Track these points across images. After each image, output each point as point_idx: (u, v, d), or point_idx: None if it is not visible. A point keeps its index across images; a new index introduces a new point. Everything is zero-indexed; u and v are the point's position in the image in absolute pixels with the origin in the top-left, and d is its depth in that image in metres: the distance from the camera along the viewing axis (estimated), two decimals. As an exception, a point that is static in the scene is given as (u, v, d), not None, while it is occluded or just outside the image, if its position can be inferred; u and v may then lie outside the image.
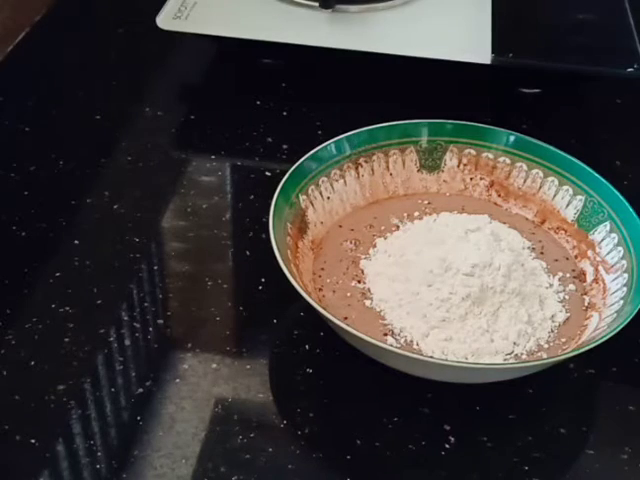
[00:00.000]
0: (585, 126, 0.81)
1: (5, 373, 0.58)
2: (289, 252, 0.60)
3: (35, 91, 0.82)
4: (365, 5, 0.84)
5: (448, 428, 0.56)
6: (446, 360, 0.55)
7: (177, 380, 0.58)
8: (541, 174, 0.66)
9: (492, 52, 0.78)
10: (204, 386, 0.58)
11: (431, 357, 0.55)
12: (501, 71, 0.79)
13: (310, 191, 0.65)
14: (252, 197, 0.72)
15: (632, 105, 0.85)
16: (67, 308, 0.62)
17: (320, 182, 0.66)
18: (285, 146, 0.77)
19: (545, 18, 0.85)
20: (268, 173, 0.74)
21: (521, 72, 0.80)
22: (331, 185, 0.66)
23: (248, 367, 0.59)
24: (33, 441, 0.54)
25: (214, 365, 0.59)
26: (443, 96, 0.82)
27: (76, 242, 0.67)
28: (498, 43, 0.78)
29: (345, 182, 0.67)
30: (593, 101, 0.85)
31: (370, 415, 0.57)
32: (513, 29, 0.82)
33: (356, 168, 0.67)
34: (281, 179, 0.63)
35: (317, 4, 0.82)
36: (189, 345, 0.60)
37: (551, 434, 0.56)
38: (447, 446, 0.55)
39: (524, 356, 0.57)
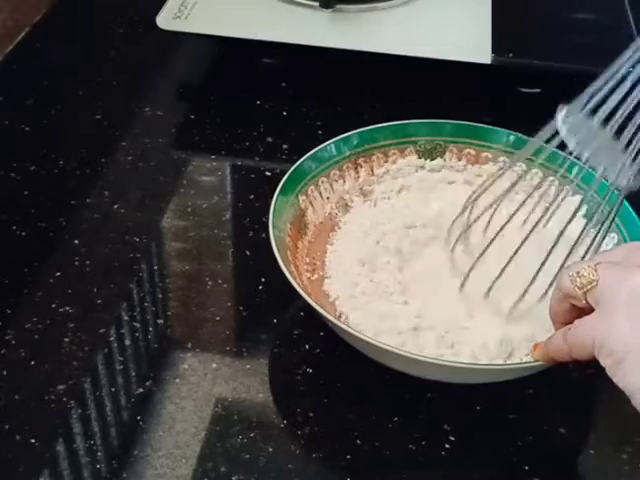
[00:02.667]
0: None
1: (5, 373, 0.58)
2: (289, 252, 0.60)
3: (35, 91, 0.82)
4: (365, 5, 0.84)
5: (448, 428, 0.56)
6: (444, 361, 0.54)
7: (177, 380, 0.58)
8: (540, 174, 0.66)
9: (492, 52, 0.78)
10: (204, 386, 0.58)
11: (430, 358, 0.55)
12: (501, 71, 0.79)
13: (310, 191, 0.65)
14: (252, 197, 0.72)
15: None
16: (67, 308, 0.62)
17: (320, 182, 0.66)
18: (285, 146, 0.77)
19: (545, 18, 0.85)
20: (268, 173, 0.74)
21: (521, 72, 0.80)
22: (331, 185, 0.66)
23: (248, 367, 0.59)
24: (33, 441, 0.54)
25: (214, 365, 0.59)
26: (443, 96, 0.82)
27: (76, 242, 0.67)
28: (498, 43, 0.79)
29: (345, 182, 0.67)
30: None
31: (370, 415, 0.56)
32: (513, 29, 0.82)
33: (355, 168, 0.67)
34: (281, 179, 0.63)
35: (317, 4, 0.82)
36: (189, 345, 0.60)
37: (551, 434, 0.56)
38: (447, 446, 0.55)
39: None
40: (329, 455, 0.55)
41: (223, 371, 0.59)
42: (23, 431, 0.54)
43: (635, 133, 0.53)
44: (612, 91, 0.53)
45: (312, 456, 0.55)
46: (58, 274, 0.64)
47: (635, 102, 0.52)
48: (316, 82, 0.84)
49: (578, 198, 0.64)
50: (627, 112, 0.53)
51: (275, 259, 0.57)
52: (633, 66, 0.52)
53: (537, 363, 0.52)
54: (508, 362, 0.56)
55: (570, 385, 0.59)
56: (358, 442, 0.55)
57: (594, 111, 0.54)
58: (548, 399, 0.58)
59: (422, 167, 0.69)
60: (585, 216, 0.63)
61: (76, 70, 0.86)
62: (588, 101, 0.54)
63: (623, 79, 0.52)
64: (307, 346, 0.60)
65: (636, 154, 0.53)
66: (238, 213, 0.71)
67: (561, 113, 0.55)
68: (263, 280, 0.64)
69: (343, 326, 0.53)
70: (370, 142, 0.68)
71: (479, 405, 0.57)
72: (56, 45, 0.89)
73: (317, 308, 0.54)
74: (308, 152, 0.65)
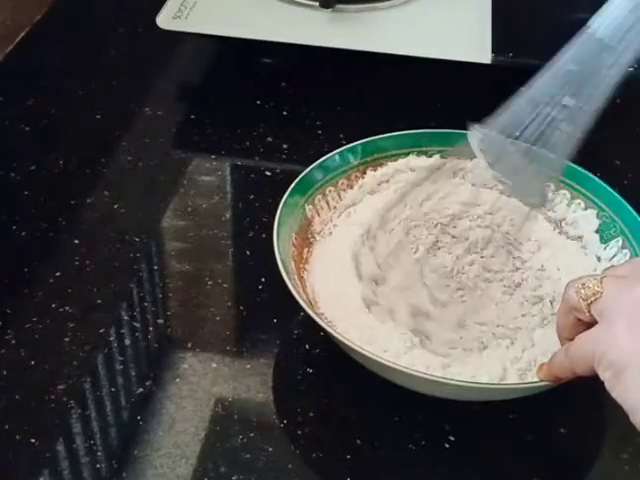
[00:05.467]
0: (585, 126, 0.81)
1: (5, 373, 0.58)
2: (293, 263, 0.59)
3: (35, 91, 0.82)
4: (365, 5, 0.84)
5: (448, 428, 0.56)
6: (444, 378, 0.53)
7: (177, 380, 0.58)
8: (553, 187, 0.65)
9: (492, 52, 0.78)
10: (204, 386, 0.58)
11: (435, 376, 0.53)
12: (501, 71, 0.79)
13: (317, 201, 0.64)
14: (252, 197, 0.72)
15: (632, 105, 0.85)
16: (67, 308, 0.62)
17: (327, 192, 0.65)
18: (285, 146, 0.77)
19: (545, 18, 0.85)
20: (268, 173, 0.74)
21: (521, 72, 0.80)
22: (338, 195, 0.65)
23: (248, 367, 0.59)
24: (33, 441, 0.54)
25: (214, 365, 0.59)
26: (443, 96, 0.82)
27: (76, 242, 0.67)
28: (498, 43, 0.79)
29: (353, 191, 0.66)
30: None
31: (370, 415, 0.57)
32: (513, 29, 0.82)
33: (363, 178, 0.66)
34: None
35: (317, 4, 0.82)
36: (189, 345, 0.60)
37: (551, 434, 0.56)
38: (447, 446, 0.55)
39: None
40: (329, 455, 0.55)
41: (223, 371, 0.59)
42: (23, 431, 0.54)
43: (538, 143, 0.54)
44: (525, 111, 0.53)
45: (312, 456, 0.55)
46: (58, 274, 0.64)
47: (547, 120, 0.53)
48: (316, 82, 0.84)
49: (590, 212, 0.64)
50: (539, 131, 0.53)
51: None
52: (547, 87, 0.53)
53: (541, 383, 0.52)
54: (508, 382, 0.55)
55: (570, 385, 0.59)
56: (358, 442, 0.55)
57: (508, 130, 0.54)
58: (548, 399, 0.58)
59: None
60: (597, 231, 0.63)
61: (76, 70, 0.86)
62: (501, 119, 0.54)
63: (536, 100, 0.53)
64: (307, 346, 0.60)
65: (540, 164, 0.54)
66: (238, 213, 0.71)
67: (474, 131, 0.56)
68: (263, 280, 0.64)
69: (343, 339, 0.53)
70: (379, 152, 0.66)
71: (479, 405, 0.57)
72: (56, 45, 0.89)
73: (319, 322, 0.54)
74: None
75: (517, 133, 0.54)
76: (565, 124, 0.53)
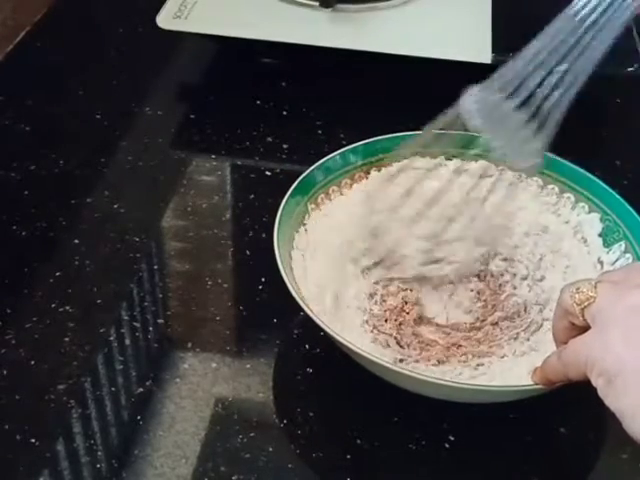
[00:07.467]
0: (585, 126, 0.81)
1: (5, 373, 0.58)
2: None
3: (35, 91, 0.82)
4: (365, 5, 0.84)
5: (448, 428, 0.56)
6: (440, 379, 0.53)
7: (177, 379, 0.58)
8: (557, 190, 0.65)
9: (492, 52, 0.78)
10: (204, 385, 0.58)
11: (430, 377, 0.53)
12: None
13: (319, 200, 0.64)
14: (252, 197, 0.72)
15: (632, 104, 0.85)
16: (67, 308, 0.62)
17: (330, 191, 0.65)
18: (285, 146, 0.77)
19: (545, 18, 0.85)
20: (268, 173, 0.74)
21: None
22: (341, 195, 0.65)
23: (248, 366, 0.59)
24: (33, 441, 0.54)
25: (214, 364, 0.59)
26: (443, 96, 0.81)
27: (76, 242, 0.67)
28: (498, 43, 0.79)
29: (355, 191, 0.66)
30: (593, 101, 0.85)
31: (370, 415, 0.57)
32: (513, 29, 0.82)
33: (367, 178, 0.66)
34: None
35: (317, 3, 0.82)
36: (189, 345, 0.60)
37: (551, 434, 0.56)
38: (447, 445, 0.55)
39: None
40: (329, 455, 0.55)
41: (223, 371, 0.59)
42: (23, 431, 0.54)
43: (539, 106, 0.53)
44: (526, 73, 0.53)
45: (312, 456, 0.55)
46: (58, 274, 0.64)
47: (550, 85, 0.53)
48: (316, 82, 0.84)
49: (594, 216, 0.64)
50: (533, 94, 0.53)
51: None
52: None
53: (535, 387, 0.51)
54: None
55: (570, 385, 0.59)
56: (358, 442, 0.55)
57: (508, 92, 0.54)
58: (548, 399, 0.58)
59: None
60: (600, 235, 0.63)
61: (76, 70, 0.86)
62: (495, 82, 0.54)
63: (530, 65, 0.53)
64: (307, 346, 0.60)
65: (538, 127, 0.53)
66: (238, 213, 0.71)
67: (469, 93, 0.56)
68: (263, 280, 0.64)
69: (343, 340, 0.53)
70: (383, 152, 0.66)
71: (479, 405, 0.57)
72: (56, 45, 0.89)
73: (320, 323, 0.53)
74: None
75: (511, 95, 0.54)
76: (558, 90, 0.53)
